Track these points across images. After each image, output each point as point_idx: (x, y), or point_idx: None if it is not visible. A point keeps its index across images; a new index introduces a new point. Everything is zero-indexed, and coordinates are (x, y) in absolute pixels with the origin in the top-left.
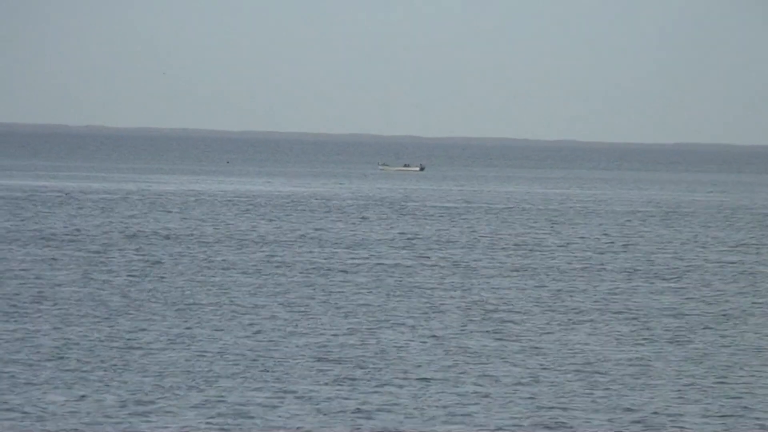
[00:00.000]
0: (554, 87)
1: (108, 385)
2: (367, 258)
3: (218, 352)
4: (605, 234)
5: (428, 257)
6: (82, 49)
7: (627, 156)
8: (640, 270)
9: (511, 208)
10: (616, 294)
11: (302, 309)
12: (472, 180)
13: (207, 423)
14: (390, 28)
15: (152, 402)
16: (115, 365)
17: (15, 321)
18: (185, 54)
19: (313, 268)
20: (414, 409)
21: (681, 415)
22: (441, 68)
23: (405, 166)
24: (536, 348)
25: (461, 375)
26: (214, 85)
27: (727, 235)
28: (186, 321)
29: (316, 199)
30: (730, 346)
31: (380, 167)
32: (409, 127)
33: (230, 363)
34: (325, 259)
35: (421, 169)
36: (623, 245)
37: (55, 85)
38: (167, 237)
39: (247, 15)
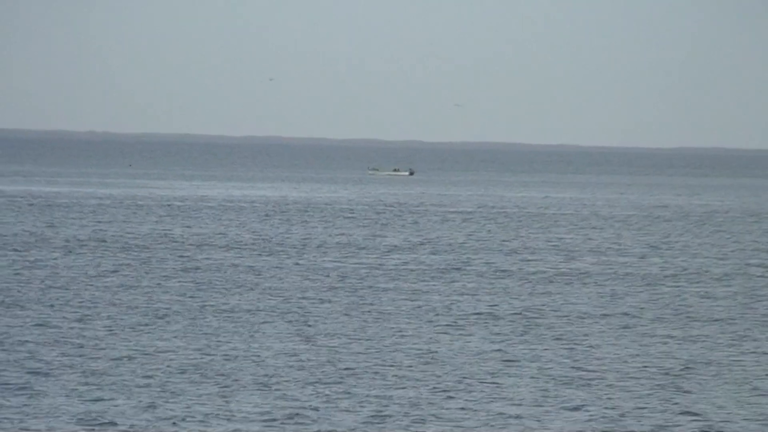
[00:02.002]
0: (556, 91)
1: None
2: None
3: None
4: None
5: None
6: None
7: (632, 161)
8: (637, 274)
9: (505, 212)
10: (619, 297)
11: (324, 313)
12: (457, 185)
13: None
14: (393, 32)
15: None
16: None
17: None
18: (186, 57)
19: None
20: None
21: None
22: (443, 73)
23: (394, 170)
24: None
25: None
26: (216, 90)
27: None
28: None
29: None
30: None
31: (370, 172)
32: (412, 132)
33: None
34: (333, 263)
35: (411, 173)
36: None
37: (55, 90)
38: (173, 241)
39: (244, 17)
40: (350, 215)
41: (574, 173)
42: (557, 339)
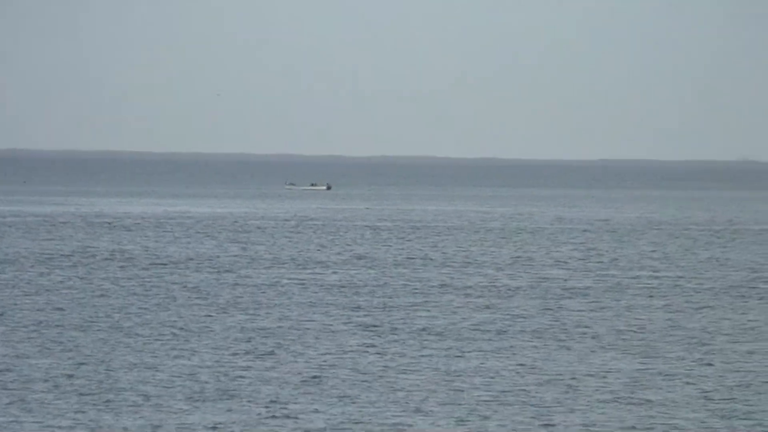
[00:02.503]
0: (479, 105)
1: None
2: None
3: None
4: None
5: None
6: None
7: (544, 172)
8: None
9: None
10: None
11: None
12: (375, 199)
13: None
14: (314, 46)
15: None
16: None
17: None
18: (116, 76)
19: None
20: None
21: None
22: (365, 87)
23: (312, 185)
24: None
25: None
26: (136, 105)
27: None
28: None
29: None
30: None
31: (287, 186)
32: (332, 146)
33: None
34: (286, 279)
35: (328, 188)
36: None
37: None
38: (98, 258)
39: (178, 32)
40: (270, 230)
41: (499, 186)
42: (496, 353)
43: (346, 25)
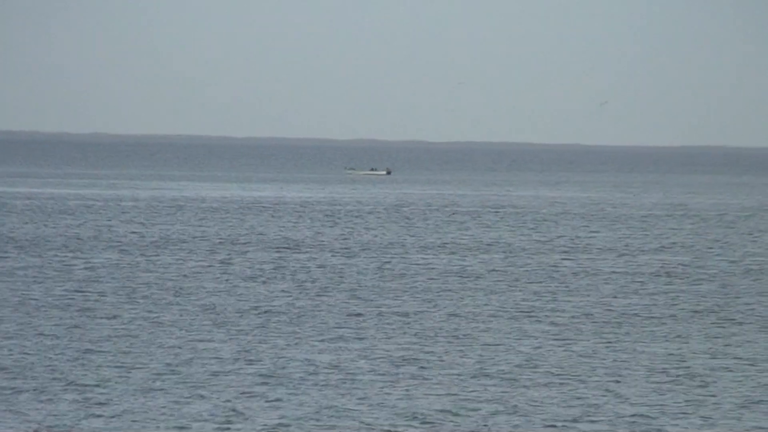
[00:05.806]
0: (550, 89)
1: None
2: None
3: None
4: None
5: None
6: (81, 54)
7: (624, 159)
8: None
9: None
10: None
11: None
12: (435, 184)
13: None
14: (381, 29)
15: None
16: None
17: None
18: (182, 60)
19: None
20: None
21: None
22: (433, 71)
23: (372, 170)
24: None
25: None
26: (216, 90)
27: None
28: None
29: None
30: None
31: (347, 171)
32: (413, 132)
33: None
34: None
35: (388, 173)
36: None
37: (56, 91)
38: (148, 243)
39: (237, 23)
40: (328, 215)
41: (565, 172)
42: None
43: (440, 15)
